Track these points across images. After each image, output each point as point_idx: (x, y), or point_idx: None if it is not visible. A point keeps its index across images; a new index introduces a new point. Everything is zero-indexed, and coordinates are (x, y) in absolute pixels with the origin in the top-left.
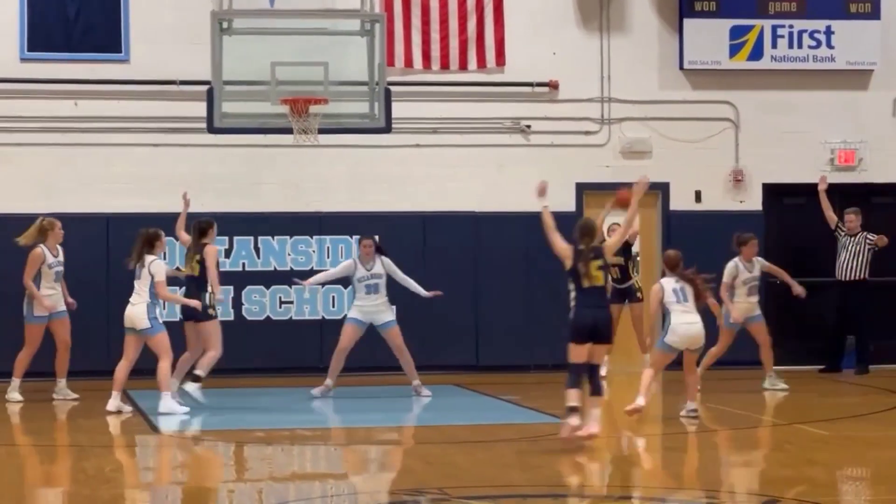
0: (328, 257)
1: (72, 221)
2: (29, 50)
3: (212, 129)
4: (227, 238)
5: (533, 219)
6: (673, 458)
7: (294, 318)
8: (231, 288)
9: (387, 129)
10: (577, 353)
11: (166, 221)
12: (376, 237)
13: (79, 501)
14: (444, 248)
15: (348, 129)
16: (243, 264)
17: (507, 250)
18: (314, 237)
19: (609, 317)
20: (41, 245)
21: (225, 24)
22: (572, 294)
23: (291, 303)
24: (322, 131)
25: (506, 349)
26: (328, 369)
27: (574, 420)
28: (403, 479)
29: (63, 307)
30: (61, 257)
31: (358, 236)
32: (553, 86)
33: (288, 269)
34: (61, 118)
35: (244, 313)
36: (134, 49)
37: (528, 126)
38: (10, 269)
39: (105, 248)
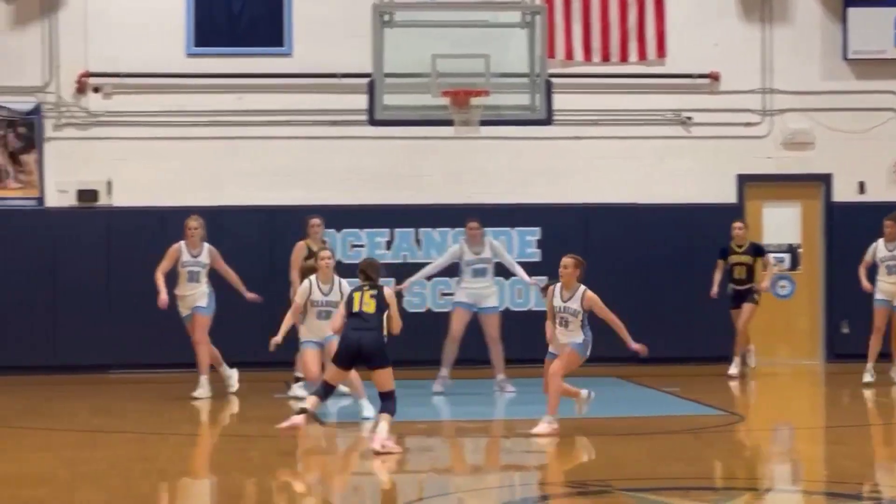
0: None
1: (234, 214)
2: (195, 45)
3: (373, 122)
4: (388, 230)
5: (693, 211)
6: (837, 452)
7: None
8: (392, 280)
9: (547, 120)
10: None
11: (328, 213)
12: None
13: (246, 489)
14: (605, 239)
15: (509, 120)
16: (404, 256)
17: (665, 242)
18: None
19: (374, 339)
20: (181, 241)
21: (386, 17)
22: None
23: (452, 294)
24: (483, 123)
25: (667, 341)
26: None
27: (299, 420)
28: (565, 471)
29: (197, 304)
30: (202, 258)
31: (520, 228)
32: (714, 77)
33: None
34: (225, 112)
35: (405, 305)
36: (296, 43)
37: (689, 118)
38: None
39: (267, 240)
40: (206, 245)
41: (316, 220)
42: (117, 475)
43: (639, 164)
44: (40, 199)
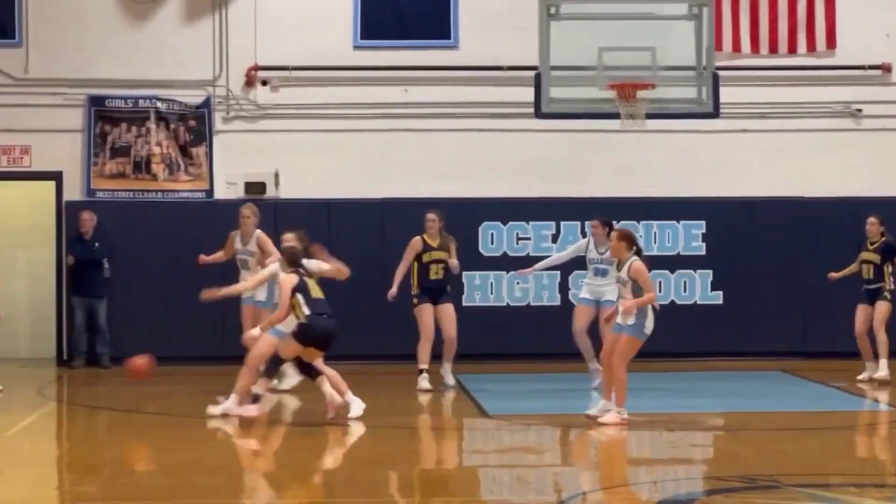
0: (654, 242)
1: (400, 206)
2: (362, 38)
3: (539, 115)
4: (553, 223)
5: (861, 204)
6: None
7: None
8: (558, 273)
9: (714, 114)
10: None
11: (494, 206)
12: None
13: (412, 482)
14: (771, 233)
15: (675, 114)
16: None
17: (832, 235)
18: (641, 222)
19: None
20: (235, 231)
21: (553, 10)
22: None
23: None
24: (649, 116)
25: (833, 335)
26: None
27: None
28: (732, 465)
29: (252, 295)
30: (251, 246)
31: (685, 221)
32: (886, 68)
33: None
34: (391, 104)
35: (570, 299)
36: (463, 36)
37: (859, 110)
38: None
39: None
40: (256, 233)
41: (431, 215)
42: (287, 465)
43: (806, 156)
44: (209, 192)
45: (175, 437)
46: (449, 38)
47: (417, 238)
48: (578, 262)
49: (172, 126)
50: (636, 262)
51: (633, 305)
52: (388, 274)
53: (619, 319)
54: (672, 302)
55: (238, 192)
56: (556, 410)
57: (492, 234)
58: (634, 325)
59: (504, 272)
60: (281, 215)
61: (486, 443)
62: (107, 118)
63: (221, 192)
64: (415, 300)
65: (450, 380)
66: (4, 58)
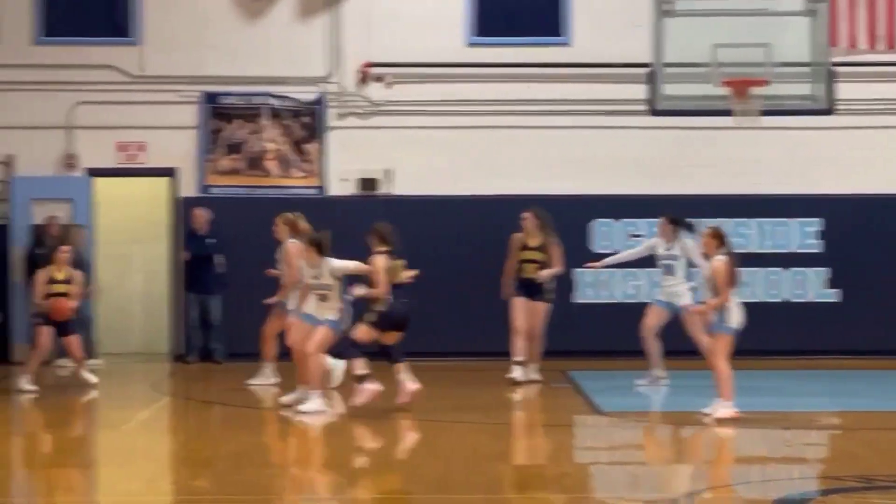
0: (768, 240)
1: (513, 203)
2: (475, 35)
3: (653, 111)
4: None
5: None
6: None
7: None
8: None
9: (829, 110)
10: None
11: (606, 203)
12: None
13: (528, 478)
14: (891, 229)
15: (789, 110)
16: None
17: None
18: (754, 219)
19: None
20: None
21: (666, 6)
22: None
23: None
24: (763, 113)
25: None
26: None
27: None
28: (849, 465)
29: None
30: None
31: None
32: None
33: None
34: (504, 101)
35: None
36: (576, 32)
37: None
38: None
39: None
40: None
41: (525, 214)
42: (402, 460)
43: None
44: (322, 188)
45: (287, 433)
46: (562, 34)
47: (518, 235)
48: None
49: (286, 122)
50: (716, 261)
51: (708, 310)
52: (500, 270)
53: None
54: (785, 300)
55: (351, 189)
56: (670, 408)
57: (604, 231)
58: (717, 321)
59: (616, 269)
60: (394, 212)
61: (599, 440)
62: (221, 115)
63: (335, 189)
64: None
65: (534, 376)
66: (121, 55)
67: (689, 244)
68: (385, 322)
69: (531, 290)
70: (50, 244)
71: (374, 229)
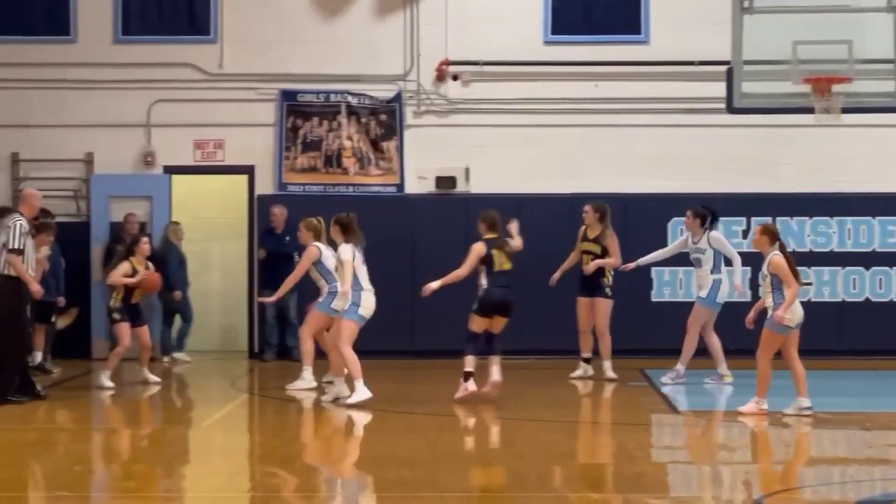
0: (849, 238)
1: (590, 201)
2: (552, 33)
3: (731, 110)
4: (744, 219)
5: None
6: None
7: (813, 300)
8: (749, 269)
9: None
10: (480, 324)
11: (684, 202)
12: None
13: (604, 477)
14: None
15: (872, 108)
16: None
17: None
18: (834, 218)
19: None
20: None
21: (745, 3)
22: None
23: (810, 284)
24: (844, 111)
25: None
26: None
27: (471, 385)
28: None
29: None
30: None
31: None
32: None
33: (807, 250)
34: (582, 100)
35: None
36: (654, 30)
37: None
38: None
39: (622, 228)
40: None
41: (586, 207)
42: (478, 458)
43: None
44: (400, 186)
45: (367, 429)
46: (640, 32)
47: (582, 228)
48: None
49: (363, 120)
50: (775, 257)
51: (783, 311)
52: (576, 269)
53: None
54: (867, 299)
55: (429, 187)
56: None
57: (681, 230)
58: (769, 320)
59: (692, 267)
60: (472, 210)
61: (676, 439)
62: (298, 112)
63: (412, 187)
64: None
65: (611, 374)
66: (199, 53)
67: (716, 236)
68: (485, 307)
69: (591, 288)
70: (128, 241)
71: (484, 216)
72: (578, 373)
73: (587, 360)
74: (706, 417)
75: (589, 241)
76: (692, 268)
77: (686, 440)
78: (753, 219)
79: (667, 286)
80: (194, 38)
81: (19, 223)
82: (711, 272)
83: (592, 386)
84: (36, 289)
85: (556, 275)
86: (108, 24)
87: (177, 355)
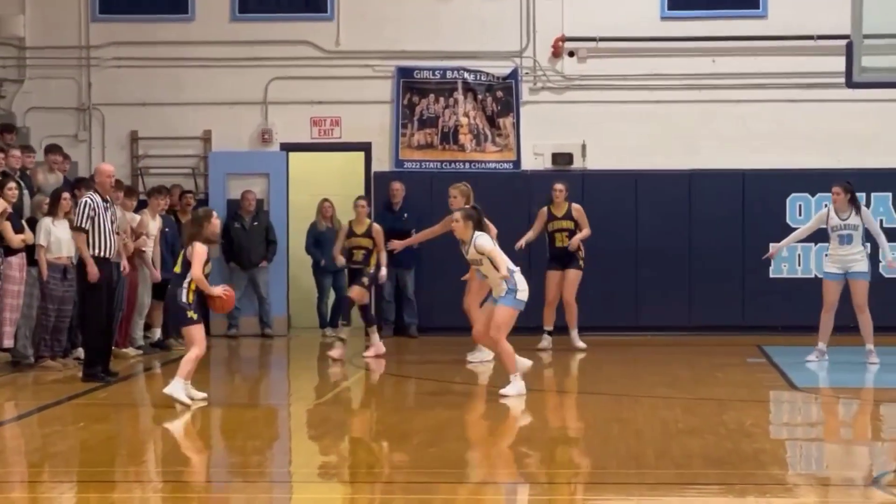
0: None
1: (709, 177)
2: (669, 9)
3: (851, 84)
4: (864, 194)
5: None
6: None
7: None
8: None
9: None
10: None
11: (802, 178)
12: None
13: (722, 454)
14: None
15: None
16: (881, 221)
17: None
18: None
19: None
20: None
21: None
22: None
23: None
24: None
25: None
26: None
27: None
28: None
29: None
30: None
31: None
32: None
33: None
34: (700, 75)
35: (881, 271)
36: (772, 4)
37: None
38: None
39: (740, 204)
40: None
41: (558, 185)
42: (594, 435)
43: None
44: (516, 163)
45: (480, 408)
46: (758, 7)
47: (544, 208)
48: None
49: (480, 97)
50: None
51: None
52: (694, 246)
53: None
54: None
55: (545, 164)
56: (868, 384)
57: (799, 206)
58: None
59: (813, 244)
60: (588, 186)
61: (794, 416)
62: (415, 89)
63: (529, 163)
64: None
65: (580, 343)
66: (316, 31)
67: (867, 214)
68: None
69: (564, 259)
70: (246, 219)
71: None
72: (544, 344)
73: (550, 333)
74: (826, 394)
75: (559, 218)
76: (811, 244)
77: (804, 417)
78: (873, 194)
79: (785, 262)
80: (311, 16)
81: (85, 201)
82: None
83: (705, 362)
84: (92, 271)
85: (522, 242)
86: (226, 1)
87: (329, 332)
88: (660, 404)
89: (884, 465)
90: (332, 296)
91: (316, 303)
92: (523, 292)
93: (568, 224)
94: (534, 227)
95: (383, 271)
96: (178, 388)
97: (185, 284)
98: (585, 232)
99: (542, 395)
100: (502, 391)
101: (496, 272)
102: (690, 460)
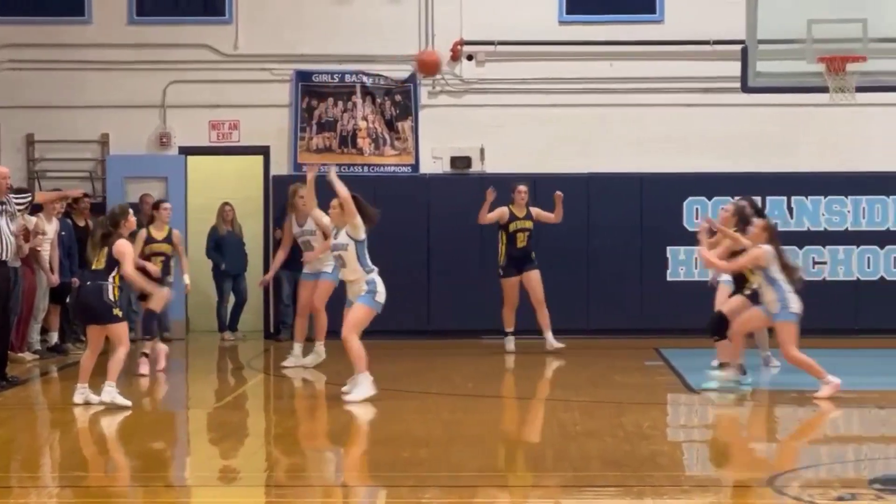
0: (863, 217)
1: (606, 181)
2: (567, 13)
3: (746, 89)
4: (759, 199)
5: None
6: None
7: (828, 278)
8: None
9: None
10: None
11: (699, 181)
12: None
13: (620, 456)
14: None
15: (887, 87)
16: (775, 225)
17: None
18: (849, 197)
19: None
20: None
21: None
22: None
23: (825, 263)
24: (859, 90)
25: None
26: None
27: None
28: None
29: (311, 270)
30: (309, 225)
31: None
32: None
33: (822, 229)
34: (597, 79)
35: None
36: (668, 9)
37: None
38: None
39: (638, 207)
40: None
41: (522, 187)
42: (492, 438)
43: None
44: (415, 166)
45: (384, 409)
46: (655, 12)
47: (504, 208)
48: None
49: (378, 101)
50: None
51: None
52: (591, 249)
53: None
54: (882, 278)
55: (444, 167)
56: (764, 386)
57: (696, 209)
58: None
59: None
60: (486, 190)
61: (691, 418)
62: (313, 93)
63: (427, 167)
64: (500, 272)
65: (556, 344)
66: (215, 34)
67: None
68: None
69: (521, 263)
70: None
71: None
72: (510, 347)
73: (514, 334)
74: (722, 397)
75: (521, 219)
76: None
77: (701, 419)
78: (769, 198)
79: (682, 265)
80: (210, 19)
81: None
82: None
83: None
84: None
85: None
86: (123, 4)
87: (229, 335)
88: (559, 407)
89: (782, 466)
90: (231, 299)
91: (216, 306)
92: (382, 294)
93: (529, 224)
94: (490, 214)
95: (186, 278)
96: (112, 392)
97: (110, 280)
98: (554, 218)
99: (437, 399)
100: (347, 397)
101: (356, 262)
102: (588, 462)
